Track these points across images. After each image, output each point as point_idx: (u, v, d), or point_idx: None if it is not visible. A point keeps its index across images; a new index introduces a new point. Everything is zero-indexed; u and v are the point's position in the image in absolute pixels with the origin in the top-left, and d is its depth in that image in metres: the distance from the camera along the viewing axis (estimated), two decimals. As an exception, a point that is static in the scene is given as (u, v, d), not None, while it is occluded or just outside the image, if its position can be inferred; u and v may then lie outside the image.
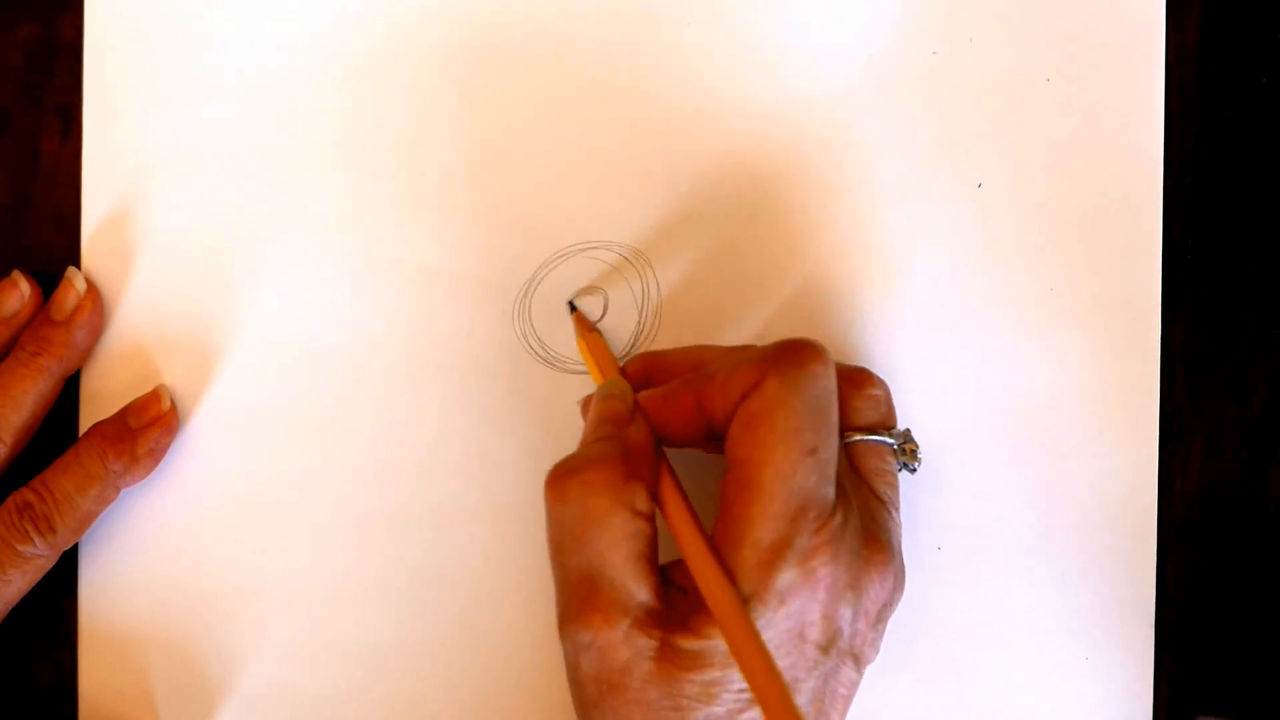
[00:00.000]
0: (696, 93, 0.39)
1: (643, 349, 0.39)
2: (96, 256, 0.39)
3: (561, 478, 0.32)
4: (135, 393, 0.39)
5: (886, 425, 0.36)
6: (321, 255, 0.39)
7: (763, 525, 0.30)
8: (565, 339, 0.39)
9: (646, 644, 0.31)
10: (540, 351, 0.39)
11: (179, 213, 0.39)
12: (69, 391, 0.39)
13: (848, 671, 0.33)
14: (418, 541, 0.39)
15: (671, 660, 0.31)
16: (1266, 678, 0.39)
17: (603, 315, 0.39)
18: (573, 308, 0.39)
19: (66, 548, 0.38)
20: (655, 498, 0.33)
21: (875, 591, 0.33)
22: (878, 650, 0.34)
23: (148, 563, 0.39)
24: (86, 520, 0.38)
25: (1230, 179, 0.39)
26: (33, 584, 0.37)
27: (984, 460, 0.39)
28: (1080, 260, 0.39)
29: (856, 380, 0.35)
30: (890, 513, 0.35)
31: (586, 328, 0.38)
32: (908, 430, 0.36)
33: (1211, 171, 0.39)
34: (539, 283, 0.39)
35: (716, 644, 0.31)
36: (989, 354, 0.39)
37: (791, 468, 0.30)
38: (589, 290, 0.39)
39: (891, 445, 0.35)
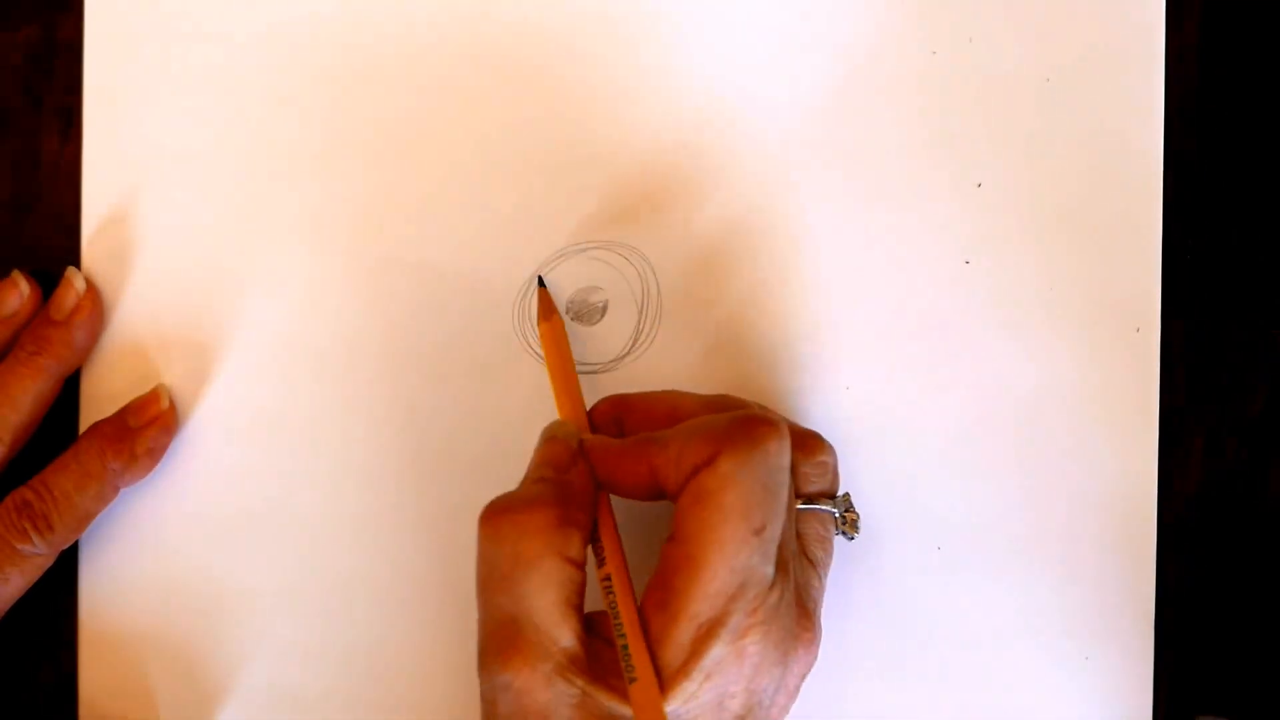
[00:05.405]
0: (696, 93, 0.39)
1: (642, 349, 0.39)
2: (96, 256, 0.39)
3: (495, 515, 0.32)
4: (135, 393, 0.39)
5: (830, 493, 0.36)
6: (321, 255, 0.39)
7: (701, 601, 0.30)
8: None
9: (568, 690, 0.31)
10: (540, 351, 0.39)
11: (179, 213, 0.39)
12: (69, 391, 0.39)
13: None
14: (417, 541, 0.39)
15: (592, 713, 0.31)
16: (1266, 678, 0.38)
17: (602, 315, 0.39)
18: (541, 282, 0.38)
19: (65, 547, 0.38)
20: (593, 545, 0.33)
21: (799, 666, 0.33)
22: (788, 713, 0.34)
23: (148, 563, 0.39)
24: (85, 519, 0.38)
25: (1230, 179, 0.39)
26: (32, 583, 0.37)
27: (983, 460, 0.39)
28: (1080, 260, 0.39)
29: (809, 447, 0.35)
30: (820, 578, 0.35)
31: (549, 309, 0.37)
32: (848, 496, 0.36)
33: (1211, 171, 0.39)
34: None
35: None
36: (989, 354, 0.39)
37: (736, 547, 0.30)
38: (589, 290, 0.39)
39: (834, 514, 0.36)
